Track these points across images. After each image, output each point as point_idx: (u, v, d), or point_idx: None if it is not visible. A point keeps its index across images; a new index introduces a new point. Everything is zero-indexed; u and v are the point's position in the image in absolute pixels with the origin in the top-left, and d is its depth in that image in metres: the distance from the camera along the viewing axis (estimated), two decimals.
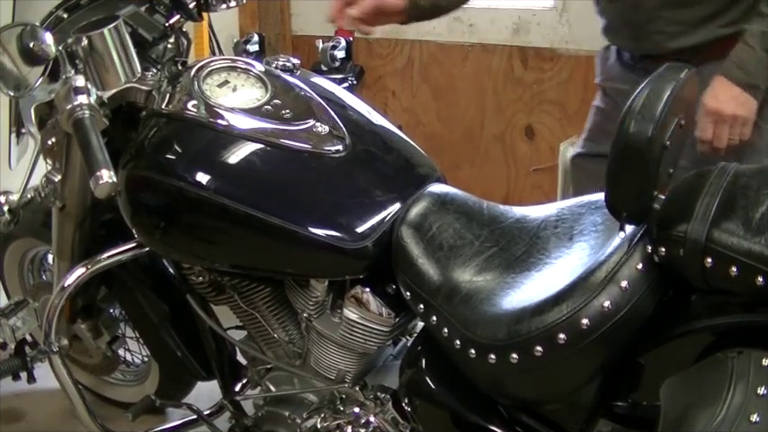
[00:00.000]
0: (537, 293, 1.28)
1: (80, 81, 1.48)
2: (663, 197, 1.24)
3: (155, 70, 1.67)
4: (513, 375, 1.29)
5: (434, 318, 1.36)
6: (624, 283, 1.20)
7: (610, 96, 1.92)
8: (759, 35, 1.53)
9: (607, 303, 1.19)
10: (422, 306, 1.39)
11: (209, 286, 1.63)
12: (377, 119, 1.67)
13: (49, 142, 1.63)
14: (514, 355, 1.24)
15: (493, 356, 1.26)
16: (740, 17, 1.64)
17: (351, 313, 1.50)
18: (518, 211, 1.53)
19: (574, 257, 1.34)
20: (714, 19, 1.63)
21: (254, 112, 1.54)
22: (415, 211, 1.46)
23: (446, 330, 1.33)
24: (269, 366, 1.73)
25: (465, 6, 1.97)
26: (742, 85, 1.53)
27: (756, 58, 1.53)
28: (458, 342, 1.31)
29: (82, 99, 1.45)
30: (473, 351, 1.29)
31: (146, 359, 2.20)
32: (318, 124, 1.55)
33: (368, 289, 1.48)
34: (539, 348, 1.22)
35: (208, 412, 1.85)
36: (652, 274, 1.21)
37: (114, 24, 1.54)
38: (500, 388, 1.34)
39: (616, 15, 1.74)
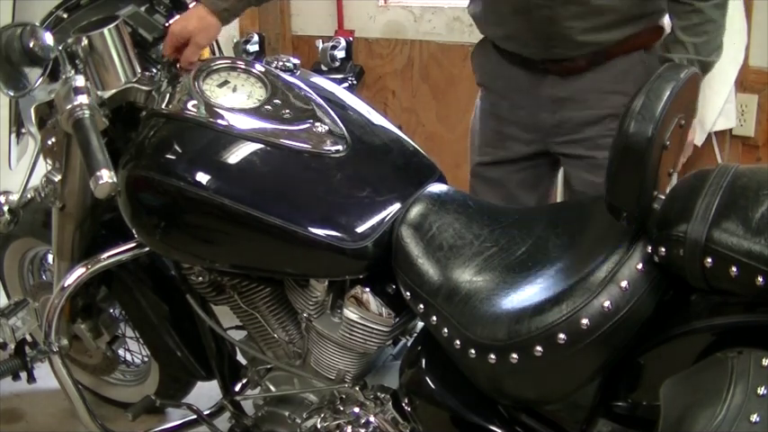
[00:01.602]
0: (537, 293, 1.28)
1: (80, 81, 1.48)
2: (663, 197, 1.24)
3: (155, 70, 1.67)
4: (513, 375, 1.28)
5: (434, 318, 1.36)
6: (624, 283, 1.20)
7: (501, 95, 1.86)
8: (686, 63, 1.55)
9: (607, 303, 1.19)
10: (422, 306, 1.39)
11: (209, 286, 1.63)
12: (377, 119, 1.67)
13: (49, 142, 1.63)
14: (514, 355, 1.24)
15: (493, 356, 1.26)
16: (649, 14, 1.67)
17: (351, 313, 1.49)
18: (518, 211, 1.53)
19: (574, 257, 1.34)
20: (625, 22, 1.66)
21: (254, 112, 1.54)
22: (415, 211, 1.46)
23: (446, 330, 1.33)
24: (269, 366, 1.73)
25: (465, 7, 1.95)
26: None
27: None
28: (458, 342, 1.31)
29: (82, 99, 1.45)
30: (473, 351, 1.29)
31: (146, 359, 2.20)
32: (318, 124, 1.54)
33: (368, 289, 1.48)
34: (539, 348, 1.22)
35: (208, 412, 1.85)
36: (652, 274, 1.21)
37: (114, 24, 1.54)
38: (500, 388, 1.34)
39: (522, 28, 1.72)
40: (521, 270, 1.37)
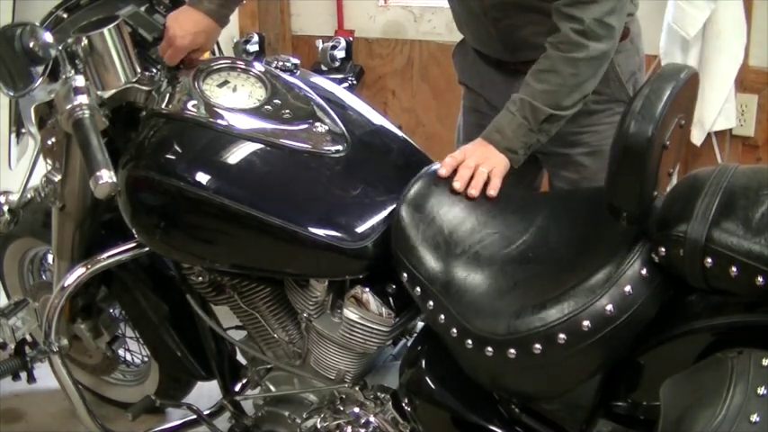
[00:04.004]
0: (538, 289, 1.28)
1: (80, 81, 1.48)
2: (663, 197, 1.24)
3: (155, 70, 1.67)
4: (510, 370, 1.28)
5: (431, 303, 1.35)
6: (628, 288, 1.19)
7: (479, 94, 1.89)
8: (518, 102, 1.55)
9: (609, 307, 1.19)
10: (419, 289, 1.37)
11: (209, 286, 1.63)
12: (377, 119, 1.67)
13: (49, 142, 1.63)
14: (512, 351, 1.24)
15: (490, 350, 1.26)
16: None
17: (351, 313, 1.49)
18: (521, 197, 1.52)
19: (576, 252, 1.33)
20: None
21: (253, 112, 1.54)
22: (416, 191, 1.45)
23: (443, 317, 1.32)
24: (269, 366, 1.73)
25: None
26: (500, 149, 1.55)
27: (516, 123, 1.54)
28: (454, 331, 1.30)
29: (82, 99, 1.45)
30: (470, 342, 1.28)
31: (146, 359, 2.19)
32: (318, 124, 1.55)
33: (368, 289, 1.48)
34: (537, 346, 1.22)
35: (208, 412, 1.85)
36: (655, 279, 1.21)
37: (114, 24, 1.54)
38: (497, 380, 1.34)
39: (488, 35, 1.74)
40: (521, 261, 1.36)
